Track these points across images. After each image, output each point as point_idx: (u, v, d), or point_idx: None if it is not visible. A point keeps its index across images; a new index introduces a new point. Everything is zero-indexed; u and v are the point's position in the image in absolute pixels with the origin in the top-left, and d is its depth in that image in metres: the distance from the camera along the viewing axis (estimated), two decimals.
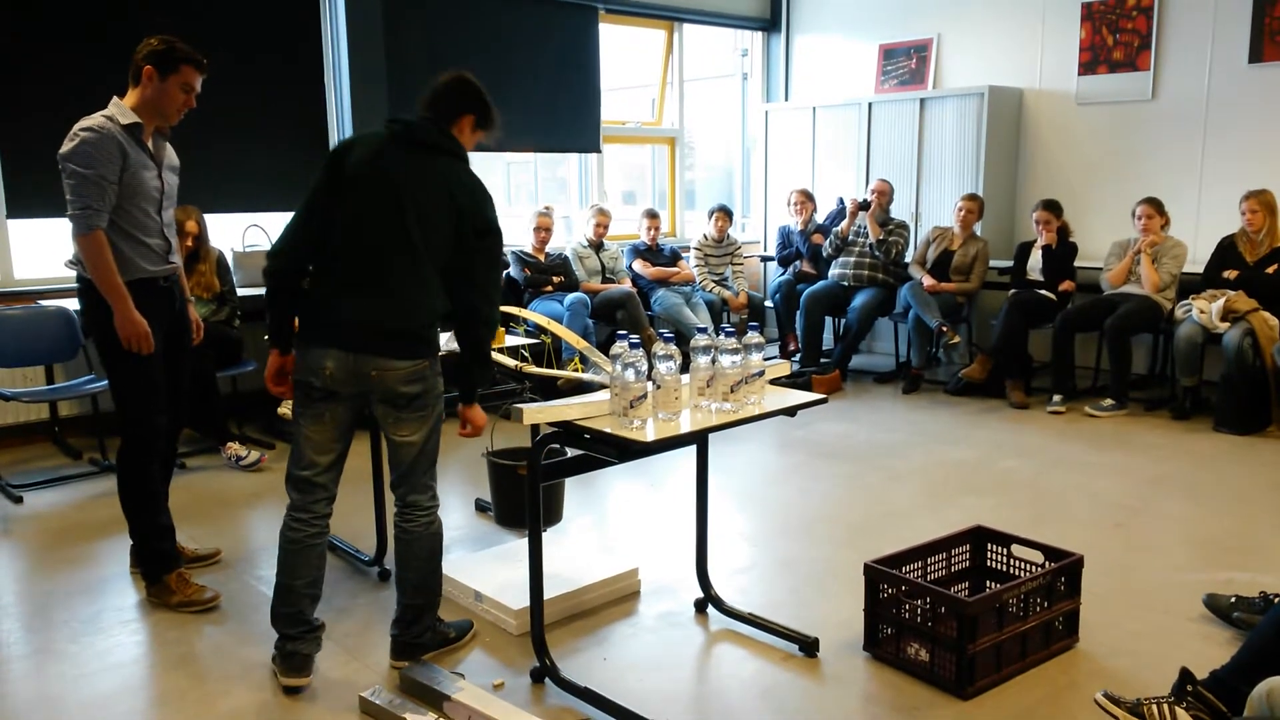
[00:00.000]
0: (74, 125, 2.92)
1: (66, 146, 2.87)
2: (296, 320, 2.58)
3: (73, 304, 4.81)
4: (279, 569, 2.59)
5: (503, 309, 3.55)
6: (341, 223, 2.48)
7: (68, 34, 4.90)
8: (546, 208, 6.22)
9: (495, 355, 3.41)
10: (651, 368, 2.38)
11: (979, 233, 6.31)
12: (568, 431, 2.41)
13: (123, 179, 2.90)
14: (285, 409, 2.73)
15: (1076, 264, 5.90)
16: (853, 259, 6.45)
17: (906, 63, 7.23)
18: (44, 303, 4.82)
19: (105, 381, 4.53)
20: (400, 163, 2.49)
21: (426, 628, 2.71)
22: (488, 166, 6.76)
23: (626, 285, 6.35)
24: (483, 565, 3.26)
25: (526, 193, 7.50)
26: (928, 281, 6.14)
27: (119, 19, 5.00)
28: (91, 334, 3.10)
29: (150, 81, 2.94)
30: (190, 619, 3.05)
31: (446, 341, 3.55)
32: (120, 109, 2.96)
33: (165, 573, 3.13)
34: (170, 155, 3.15)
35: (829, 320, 6.78)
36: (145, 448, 3.09)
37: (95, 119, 2.90)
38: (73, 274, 3.10)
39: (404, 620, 2.68)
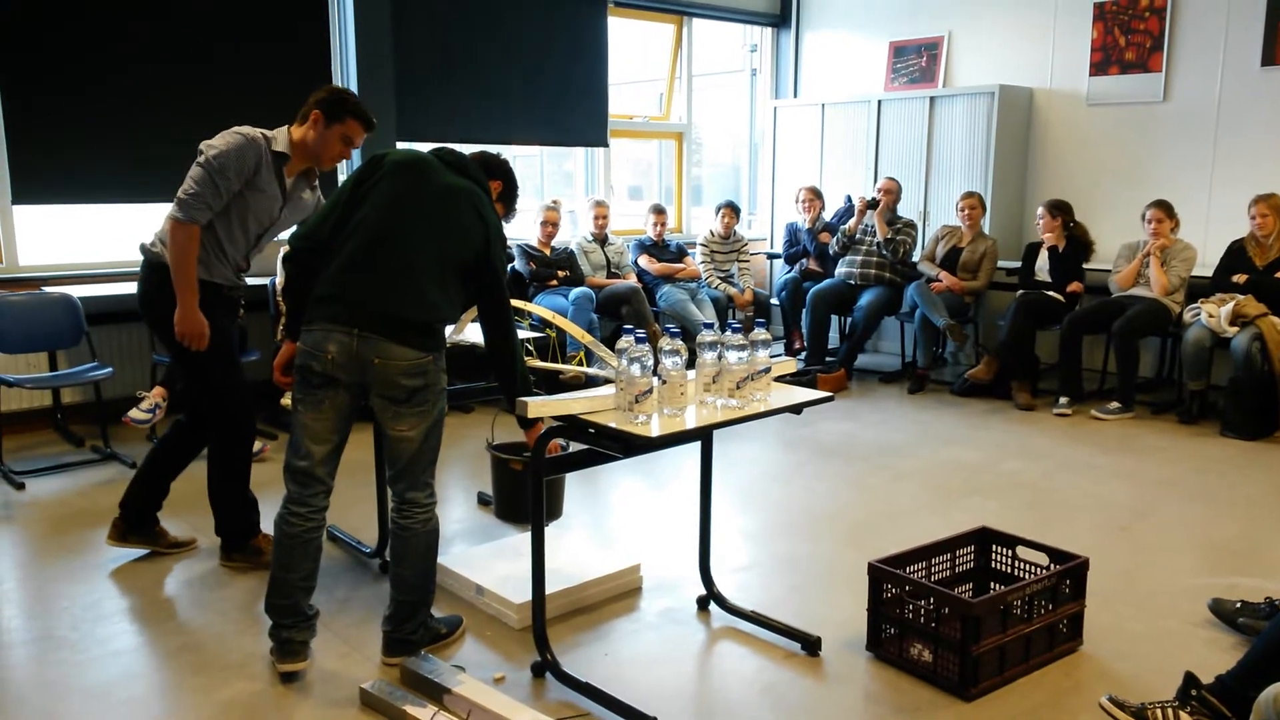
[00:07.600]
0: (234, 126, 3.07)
1: (215, 140, 3.00)
2: None
3: (78, 290, 4.82)
4: (274, 562, 2.58)
5: None
6: (371, 206, 2.53)
7: (75, 21, 4.88)
8: (553, 202, 6.21)
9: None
10: (657, 363, 2.36)
11: (987, 231, 6.30)
12: (572, 426, 2.40)
13: (242, 190, 3.05)
14: (288, 399, 2.71)
15: (1085, 266, 5.87)
16: (860, 257, 6.42)
17: (917, 60, 7.20)
18: (48, 289, 4.81)
19: (109, 369, 4.60)
20: (438, 174, 2.59)
21: (419, 624, 2.68)
22: None
23: (632, 280, 6.33)
24: (484, 559, 3.25)
25: (533, 186, 7.47)
26: (944, 278, 6.11)
27: (127, 5, 4.98)
28: (158, 317, 3.18)
29: (315, 125, 3.07)
30: (190, 606, 3.04)
31: (451, 334, 3.54)
32: (280, 137, 3.10)
33: (252, 537, 3.39)
34: (306, 201, 3.27)
35: (835, 319, 6.76)
36: (242, 431, 3.30)
37: (253, 130, 3.05)
38: (136, 257, 3.24)
39: (397, 616, 2.66)
